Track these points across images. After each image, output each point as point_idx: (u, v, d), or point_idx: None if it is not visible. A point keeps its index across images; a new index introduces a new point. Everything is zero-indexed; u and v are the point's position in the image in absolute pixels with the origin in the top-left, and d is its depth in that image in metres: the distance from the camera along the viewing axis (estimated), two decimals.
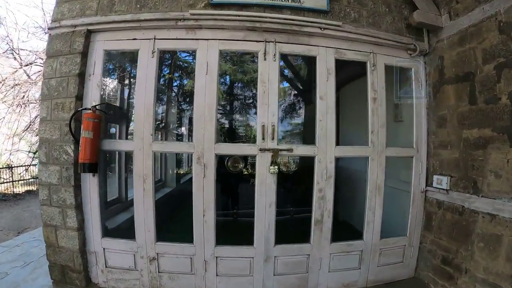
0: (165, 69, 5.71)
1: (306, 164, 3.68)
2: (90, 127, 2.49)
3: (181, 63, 6.06)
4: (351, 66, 3.12)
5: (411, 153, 2.87)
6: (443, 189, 2.70)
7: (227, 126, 6.03)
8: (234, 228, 3.49)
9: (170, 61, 5.77)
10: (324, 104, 2.60)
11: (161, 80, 5.54)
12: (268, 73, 2.54)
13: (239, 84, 6.94)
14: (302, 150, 2.63)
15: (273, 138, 2.52)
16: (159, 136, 5.43)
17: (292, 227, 3.25)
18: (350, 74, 3.77)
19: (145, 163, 2.54)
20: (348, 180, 3.78)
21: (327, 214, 2.63)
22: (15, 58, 8.66)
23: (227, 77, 6.64)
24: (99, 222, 2.65)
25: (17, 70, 8.63)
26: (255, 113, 2.68)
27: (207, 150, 2.52)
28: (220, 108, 6.87)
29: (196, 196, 2.54)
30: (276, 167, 2.48)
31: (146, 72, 2.57)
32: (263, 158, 2.54)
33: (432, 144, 2.88)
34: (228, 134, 4.49)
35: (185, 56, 5.82)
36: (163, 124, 5.34)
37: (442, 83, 2.78)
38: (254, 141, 2.64)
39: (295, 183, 3.76)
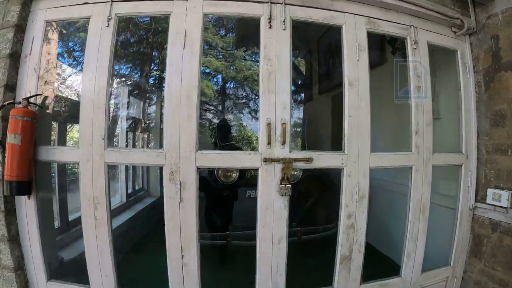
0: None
1: (315, 172, 2.82)
2: (18, 128, 1.58)
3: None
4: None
5: (461, 160, 2.02)
6: (501, 206, 1.91)
7: (215, 123, 4.60)
8: (228, 256, 2.59)
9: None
10: (355, 93, 1.69)
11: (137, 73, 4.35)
12: (275, 46, 1.62)
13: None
14: (325, 159, 1.67)
15: (283, 143, 1.60)
16: (142, 138, 4.40)
17: (302, 254, 2.40)
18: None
19: (96, 181, 1.60)
20: None
21: (358, 248, 1.74)
22: None
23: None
24: (42, 260, 1.72)
25: None
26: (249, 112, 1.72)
27: (184, 161, 1.59)
28: (210, 108, 5.44)
29: (170, 229, 1.61)
30: (290, 185, 1.56)
31: (98, 46, 1.63)
32: (269, 172, 1.62)
33: (484, 149, 2.07)
34: (218, 135, 3.26)
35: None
36: (132, 123, 4.13)
37: (498, 70, 1.98)
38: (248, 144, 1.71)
39: (301, 196, 2.87)
